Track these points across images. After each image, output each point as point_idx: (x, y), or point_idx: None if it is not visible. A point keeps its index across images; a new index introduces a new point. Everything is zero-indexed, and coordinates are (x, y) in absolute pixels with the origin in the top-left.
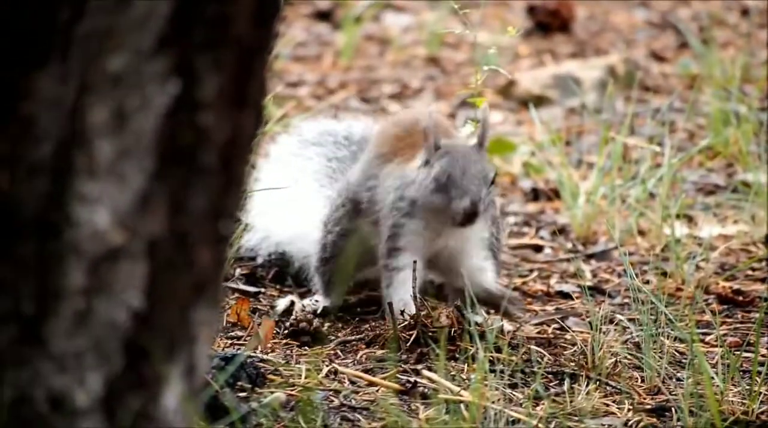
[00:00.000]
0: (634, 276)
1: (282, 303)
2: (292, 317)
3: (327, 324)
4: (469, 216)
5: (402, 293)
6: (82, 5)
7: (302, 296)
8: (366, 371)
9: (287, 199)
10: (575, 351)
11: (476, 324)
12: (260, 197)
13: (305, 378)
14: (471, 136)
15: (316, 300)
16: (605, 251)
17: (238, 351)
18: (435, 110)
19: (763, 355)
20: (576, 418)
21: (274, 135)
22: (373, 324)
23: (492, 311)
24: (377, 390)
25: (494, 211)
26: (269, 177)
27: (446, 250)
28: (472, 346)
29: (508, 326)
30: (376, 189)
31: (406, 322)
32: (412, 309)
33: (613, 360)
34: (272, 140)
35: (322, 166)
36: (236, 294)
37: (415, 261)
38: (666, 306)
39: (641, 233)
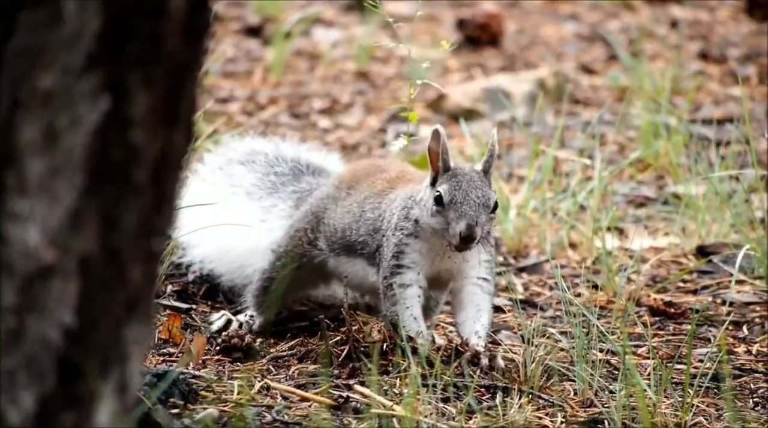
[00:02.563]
0: (566, 289)
1: (218, 321)
2: (224, 333)
3: (259, 340)
4: (466, 240)
5: (414, 313)
6: (11, 23)
7: (235, 312)
8: (298, 386)
9: (219, 215)
10: (508, 364)
11: (408, 338)
12: (191, 213)
13: (238, 394)
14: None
15: (251, 316)
16: (537, 264)
17: (171, 368)
18: (442, 130)
19: (695, 367)
20: None
21: (204, 151)
22: (305, 339)
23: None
24: (310, 406)
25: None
26: (199, 194)
27: (448, 271)
28: (404, 361)
29: (439, 340)
30: (378, 216)
31: (337, 337)
32: (425, 334)
33: (546, 373)
34: (201, 158)
35: (258, 179)
36: (168, 311)
37: (346, 277)
38: (598, 319)
39: (572, 246)
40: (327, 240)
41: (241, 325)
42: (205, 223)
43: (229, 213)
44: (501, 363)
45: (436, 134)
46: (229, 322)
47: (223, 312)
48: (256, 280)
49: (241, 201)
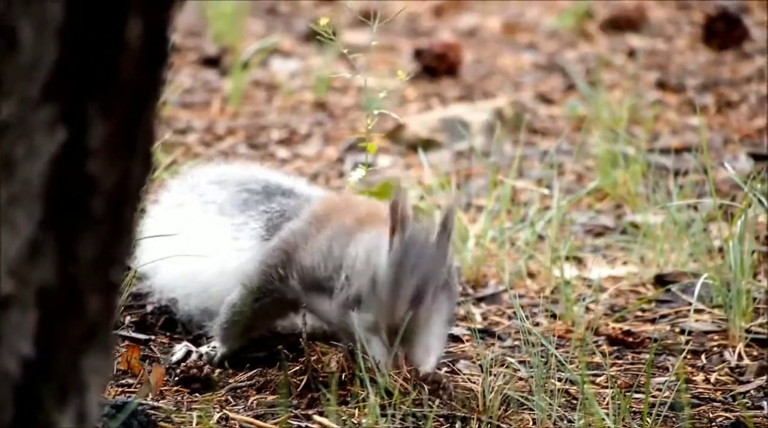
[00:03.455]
0: (524, 318)
1: (178, 352)
2: (183, 364)
3: (218, 371)
4: (416, 301)
5: (378, 342)
6: None
7: (195, 342)
8: (257, 417)
9: (189, 233)
10: (466, 394)
11: (366, 368)
12: (151, 243)
13: (197, 424)
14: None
15: (214, 347)
16: (495, 294)
17: (129, 399)
18: (405, 192)
19: (653, 396)
20: None
21: (163, 182)
22: (264, 369)
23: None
24: None
25: (453, 286)
26: (161, 221)
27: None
28: (363, 391)
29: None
30: (342, 255)
31: (296, 367)
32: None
33: (504, 402)
34: (162, 186)
35: (230, 196)
36: (126, 342)
37: (304, 306)
38: (556, 348)
39: (531, 275)
40: (299, 278)
41: (200, 356)
42: (173, 246)
43: (200, 230)
44: (447, 383)
45: (399, 192)
46: (189, 353)
47: (184, 343)
48: (224, 312)
49: (212, 217)
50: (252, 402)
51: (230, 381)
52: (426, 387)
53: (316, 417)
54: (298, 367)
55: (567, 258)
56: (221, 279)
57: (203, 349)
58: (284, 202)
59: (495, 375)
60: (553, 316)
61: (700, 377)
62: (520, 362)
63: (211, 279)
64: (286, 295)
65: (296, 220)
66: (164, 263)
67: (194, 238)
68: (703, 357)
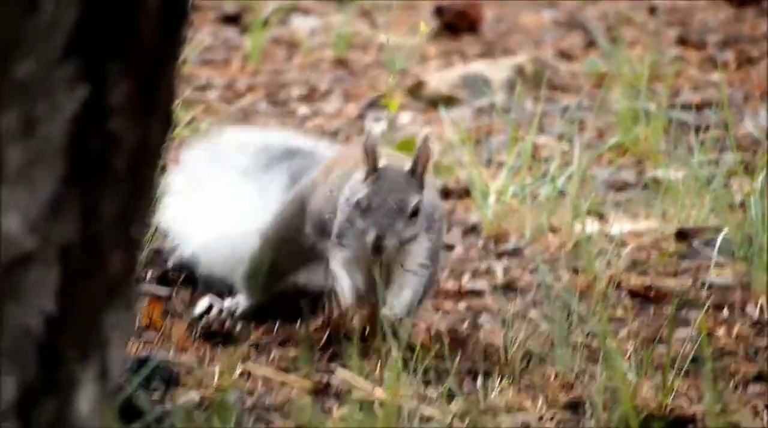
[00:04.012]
0: (546, 272)
1: (200, 305)
2: (205, 318)
3: (240, 326)
4: (377, 249)
5: (346, 277)
6: None
7: (219, 297)
8: (279, 371)
9: (213, 199)
10: (488, 348)
11: (389, 322)
12: (174, 199)
13: (219, 379)
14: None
15: (237, 301)
16: (516, 249)
17: (151, 354)
18: (374, 130)
19: (675, 350)
20: (490, 415)
21: (184, 139)
22: (286, 324)
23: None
24: (291, 390)
25: (437, 222)
26: (190, 181)
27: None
28: (385, 344)
29: (421, 324)
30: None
31: (318, 322)
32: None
33: (526, 357)
34: (183, 144)
35: (251, 159)
36: (149, 297)
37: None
38: (578, 303)
39: (552, 231)
40: (311, 225)
41: (221, 311)
42: (196, 207)
43: (223, 195)
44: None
45: (368, 133)
46: (210, 307)
47: (206, 297)
48: (247, 265)
49: (235, 181)
50: (274, 356)
51: (252, 335)
52: (389, 331)
53: (339, 371)
54: (320, 322)
55: (588, 214)
56: (246, 240)
57: (226, 303)
58: (304, 162)
59: (517, 329)
60: (575, 271)
61: (722, 331)
62: (542, 316)
63: (237, 239)
64: (303, 244)
65: (310, 173)
66: (188, 224)
67: (218, 200)
68: (725, 311)
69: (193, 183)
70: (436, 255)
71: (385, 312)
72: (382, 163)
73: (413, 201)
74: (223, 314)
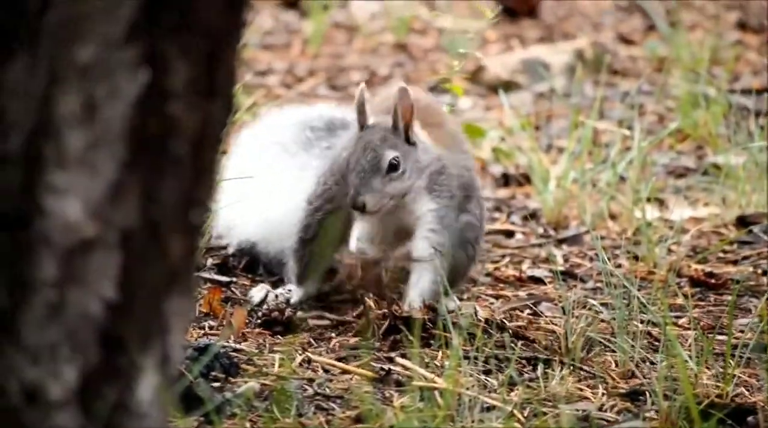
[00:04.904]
0: (606, 260)
1: (257, 294)
2: (265, 306)
3: (299, 313)
4: (356, 206)
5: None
6: None
7: (275, 285)
8: (339, 359)
9: (259, 186)
10: (548, 336)
11: (449, 310)
12: (232, 185)
13: (279, 367)
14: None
15: (289, 290)
16: (577, 235)
17: (212, 342)
18: (363, 88)
19: (736, 338)
20: (550, 403)
21: (244, 123)
22: (345, 312)
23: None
24: (351, 379)
25: (446, 185)
26: (240, 163)
27: (400, 226)
28: (445, 333)
29: (481, 312)
30: None
31: (380, 311)
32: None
33: (587, 344)
34: (242, 128)
35: (294, 134)
36: (208, 284)
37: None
38: (638, 290)
39: (612, 217)
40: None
41: (276, 297)
42: (246, 189)
43: (266, 170)
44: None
45: (359, 91)
46: (267, 295)
47: (262, 285)
48: (292, 245)
49: (277, 156)
50: (334, 345)
51: (312, 323)
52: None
53: (399, 360)
54: (379, 311)
55: (648, 200)
56: (288, 218)
57: (279, 291)
58: (344, 134)
59: (577, 317)
60: (635, 258)
61: None
62: (602, 304)
63: (279, 218)
64: (341, 206)
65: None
66: (240, 206)
67: (263, 180)
68: None
69: (241, 167)
70: (453, 221)
71: (405, 308)
72: (371, 121)
73: (388, 156)
74: (280, 301)
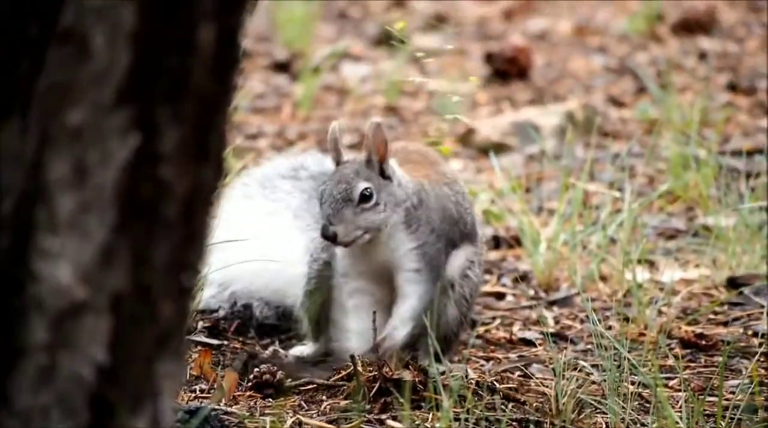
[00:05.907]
0: (597, 322)
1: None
2: (256, 369)
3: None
4: (327, 236)
5: (353, 327)
6: (40, 59)
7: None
8: (330, 422)
9: (263, 236)
10: (539, 398)
11: (439, 372)
12: (223, 244)
13: None
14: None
15: (302, 350)
16: (567, 297)
17: (203, 404)
18: (336, 125)
19: (727, 399)
20: None
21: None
22: (336, 374)
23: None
24: None
25: (423, 222)
26: (241, 211)
27: (381, 264)
28: (436, 395)
29: (472, 374)
30: None
31: (369, 373)
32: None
33: (578, 406)
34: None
35: (305, 202)
36: (199, 347)
37: (374, 312)
38: (629, 352)
39: (603, 279)
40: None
41: (276, 355)
42: (245, 249)
43: (274, 235)
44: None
45: (331, 129)
46: (251, 357)
47: (272, 347)
48: (300, 301)
49: (287, 224)
50: (325, 407)
51: (302, 386)
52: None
53: (390, 422)
54: (370, 373)
55: (639, 261)
56: (293, 286)
57: (293, 351)
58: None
59: (568, 378)
60: (626, 319)
61: None
62: (593, 365)
63: (284, 287)
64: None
65: None
66: (238, 267)
67: (267, 242)
68: None
69: (239, 216)
70: (437, 256)
71: (379, 342)
72: (345, 157)
73: (360, 187)
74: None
